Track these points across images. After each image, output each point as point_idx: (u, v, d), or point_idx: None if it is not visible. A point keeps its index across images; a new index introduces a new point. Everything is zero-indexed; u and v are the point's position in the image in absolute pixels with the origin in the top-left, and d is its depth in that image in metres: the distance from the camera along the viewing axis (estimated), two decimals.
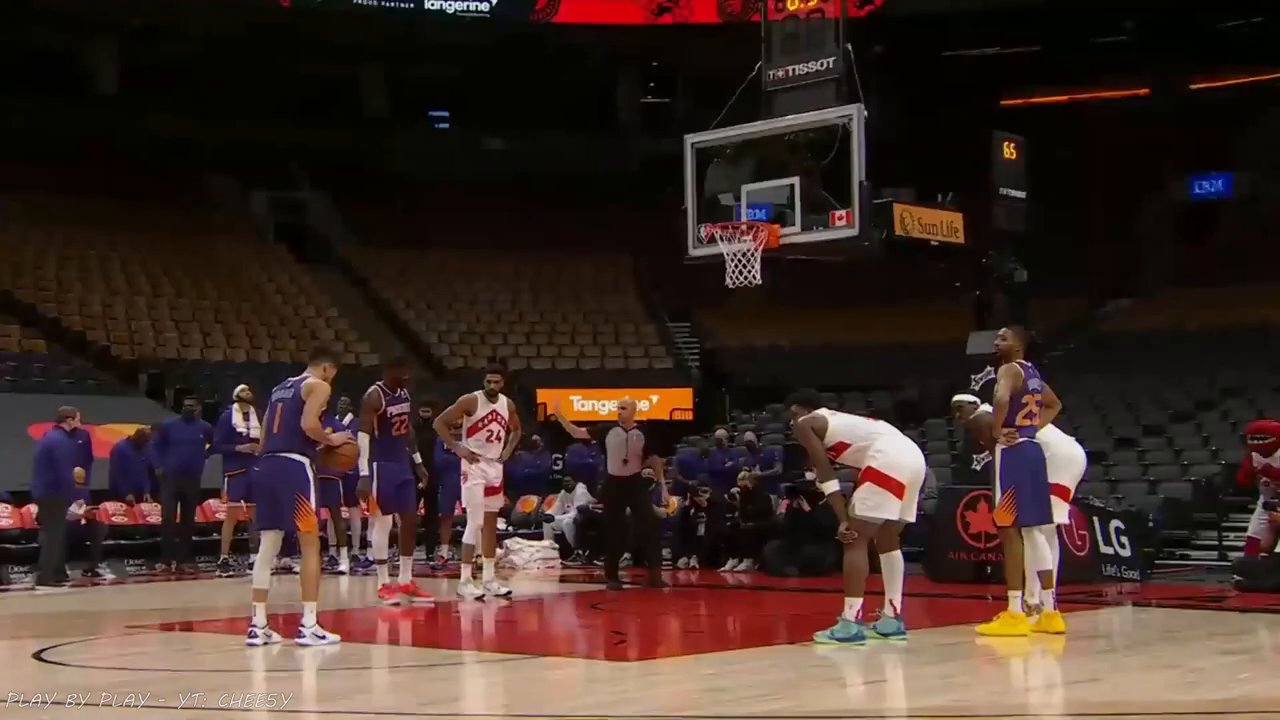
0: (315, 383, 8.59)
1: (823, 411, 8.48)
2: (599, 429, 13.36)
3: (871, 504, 8.14)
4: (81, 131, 30.46)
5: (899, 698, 6.86)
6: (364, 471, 10.90)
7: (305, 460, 8.51)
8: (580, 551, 16.04)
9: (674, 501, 15.75)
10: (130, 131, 30.98)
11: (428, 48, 33.59)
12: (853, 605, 8.15)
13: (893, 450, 8.21)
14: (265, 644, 8.44)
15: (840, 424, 8.41)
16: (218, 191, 32.46)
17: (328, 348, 9.87)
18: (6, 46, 30.21)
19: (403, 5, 33.06)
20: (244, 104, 32.79)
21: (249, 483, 14.51)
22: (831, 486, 8.39)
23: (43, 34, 31.00)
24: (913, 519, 8.34)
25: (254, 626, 8.53)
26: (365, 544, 15.01)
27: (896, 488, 8.12)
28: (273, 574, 8.88)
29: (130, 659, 8.60)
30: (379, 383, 11.23)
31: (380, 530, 11.37)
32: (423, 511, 14.66)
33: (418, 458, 12.55)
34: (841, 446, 8.32)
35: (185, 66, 32.79)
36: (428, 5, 33.09)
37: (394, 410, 11.13)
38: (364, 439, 10.89)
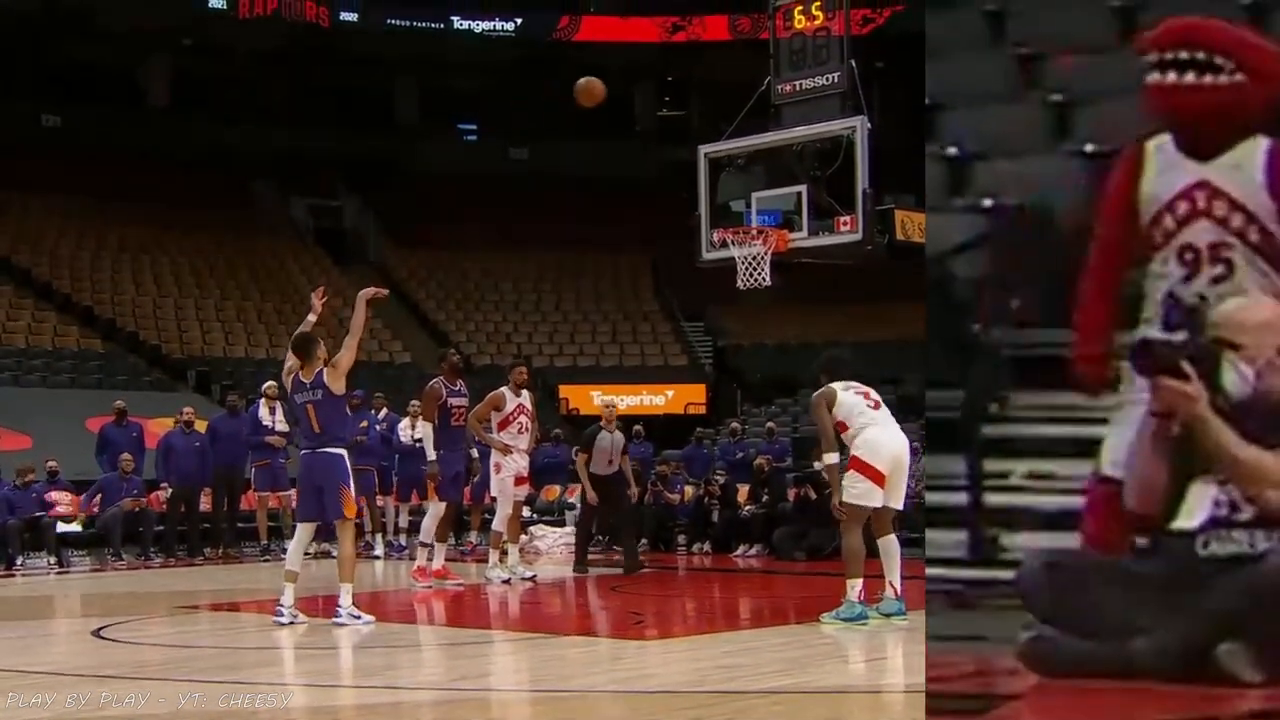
0: (334, 372, 8.48)
1: (835, 385, 8.30)
2: (586, 433, 12.75)
3: (856, 492, 8.04)
4: (136, 141, 30.61)
5: (900, 674, 6.82)
6: (430, 456, 10.84)
7: (344, 453, 8.58)
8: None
9: (689, 490, 15.87)
10: (180, 141, 31.10)
11: (457, 64, 33.63)
12: (854, 586, 8.07)
13: (874, 441, 8.05)
14: (291, 623, 8.42)
15: (845, 402, 8.20)
16: (260, 197, 32.56)
17: (309, 335, 8.80)
18: (69, 63, 30.44)
19: (433, 25, 33.18)
20: (285, 115, 32.90)
21: (274, 473, 14.57)
22: (830, 458, 8.27)
23: (102, 51, 31.16)
24: (900, 506, 8.22)
25: (281, 606, 8.51)
26: (399, 530, 15.04)
27: (877, 477, 8.00)
28: (312, 557, 8.88)
29: (179, 636, 8.62)
30: (440, 376, 11.13)
31: (433, 517, 11.23)
32: (470, 500, 14.66)
33: (474, 452, 12.48)
34: (842, 426, 8.22)
35: (231, 80, 32.91)
36: (457, 26, 33.20)
37: (454, 402, 11.03)
38: (426, 428, 10.95)
